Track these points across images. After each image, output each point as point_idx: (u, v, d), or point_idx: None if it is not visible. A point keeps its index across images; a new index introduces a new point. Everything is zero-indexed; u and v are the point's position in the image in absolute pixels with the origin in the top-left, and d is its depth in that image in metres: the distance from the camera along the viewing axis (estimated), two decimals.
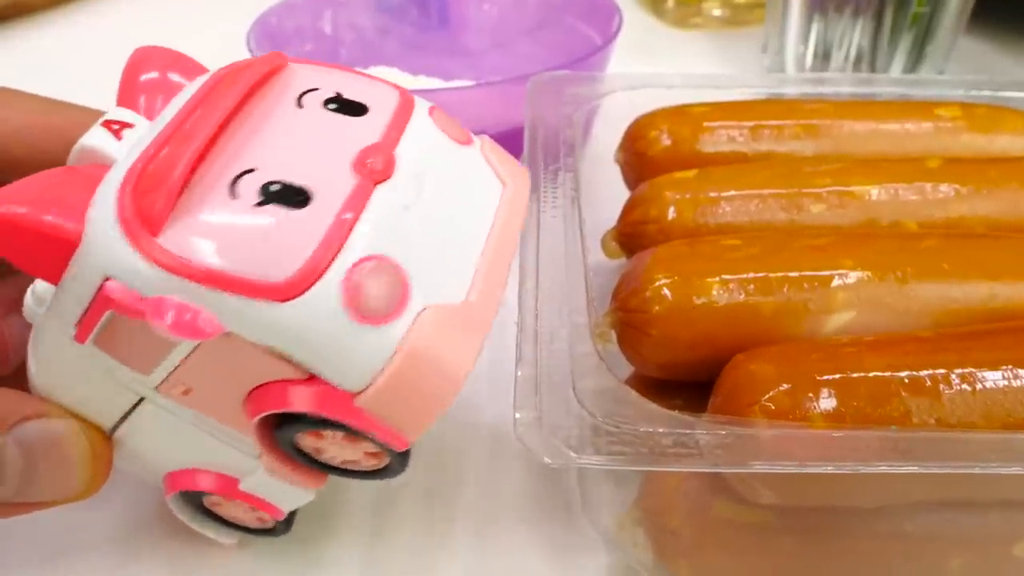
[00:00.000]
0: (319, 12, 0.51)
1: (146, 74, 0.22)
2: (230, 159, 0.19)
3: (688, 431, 0.19)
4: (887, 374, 0.21)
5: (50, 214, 0.18)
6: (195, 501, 0.25)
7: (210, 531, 0.26)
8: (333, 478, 0.22)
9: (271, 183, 0.18)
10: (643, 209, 0.29)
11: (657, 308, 0.24)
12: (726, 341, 0.24)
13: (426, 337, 0.18)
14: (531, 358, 0.21)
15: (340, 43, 0.52)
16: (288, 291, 0.17)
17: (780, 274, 0.25)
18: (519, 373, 0.21)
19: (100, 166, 0.19)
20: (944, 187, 0.29)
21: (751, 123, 0.33)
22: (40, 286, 0.22)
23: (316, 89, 0.21)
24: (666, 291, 0.25)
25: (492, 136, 0.41)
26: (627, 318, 0.25)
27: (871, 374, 0.21)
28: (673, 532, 0.24)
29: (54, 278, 0.19)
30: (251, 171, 0.18)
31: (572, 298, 0.23)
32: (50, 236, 0.18)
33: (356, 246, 0.18)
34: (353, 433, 0.19)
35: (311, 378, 0.19)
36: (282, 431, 0.20)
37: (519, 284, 0.24)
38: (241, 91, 0.20)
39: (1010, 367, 0.21)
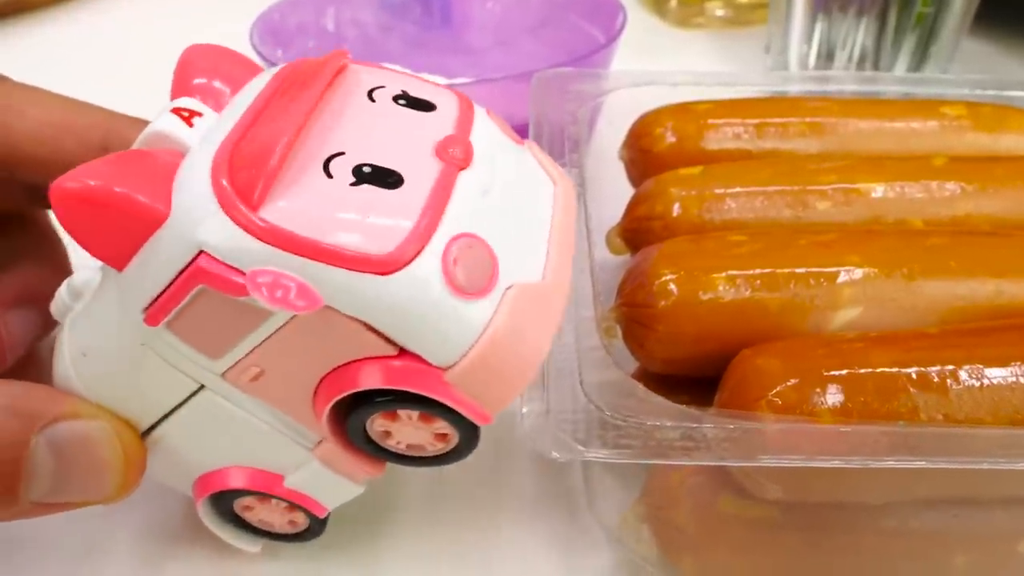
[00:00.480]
0: (322, 9, 0.51)
1: (201, 71, 0.22)
2: (316, 144, 0.19)
3: (695, 425, 0.19)
4: (894, 370, 0.21)
5: (134, 190, 0.18)
6: (225, 506, 0.25)
7: (235, 538, 0.26)
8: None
9: (363, 165, 0.19)
10: (648, 205, 0.29)
11: (663, 303, 0.24)
12: (732, 337, 0.24)
13: (514, 313, 0.19)
14: None
15: (343, 40, 0.52)
16: (391, 264, 0.17)
17: (786, 270, 0.25)
18: None
19: (173, 151, 0.19)
20: (950, 185, 0.28)
21: (756, 120, 0.32)
22: (78, 279, 0.22)
23: (383, 87, 0.21)
24: (672, 286, 0.25)
25: None
26: (633, 313, 0.25)
27: (878, 370, 0.21)
28: (678, 528, 0.24)
29: (122, 260, 0.19)
30: (341, 154, 0.19)
31: (578, 292, 0.23)
32: (132, 213, 0.18)
33: (451, 224, 0.18)
34: (432, 411, 0.19)
35: (401, 353, 0.19)
36: (357, 413, 0.20)
37: None
38: (325, 81, 0.20)
39: (1018, 363, 0.21)
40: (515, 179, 0.21)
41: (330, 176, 0.18)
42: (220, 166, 0.18)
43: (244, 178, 0.17)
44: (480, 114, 0.22)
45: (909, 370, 0.21)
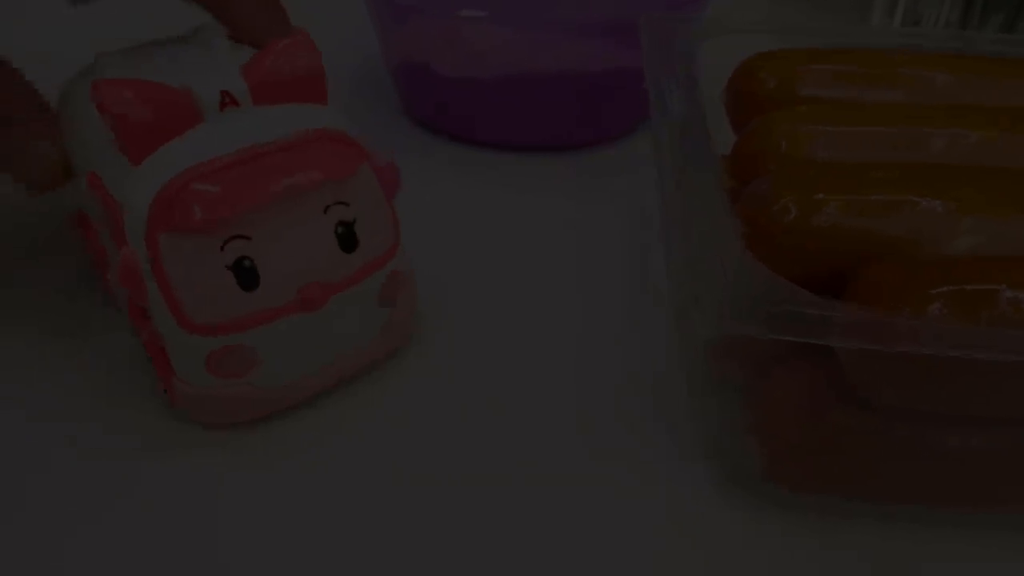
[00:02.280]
0: None
1: (273, 66, 0.25)
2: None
3: (840, 314, 0.20)
4: None
5: (140, 130, 0.23)
6: None
7: None
8: None
9: (246, 259, 0.24)
10: (759, 140, 0.30)
11: (786, 219, 0.25)
12: (848, 260, 0.25)
13: (227, 399, 0.26)
14: (678, 245, 0.22)
15: None
16: (194, 329, 0.24)
17: (904, 197, 0.25)
18: (670, 253, 0.21)
19: (196, 112, 0.24)
20: None
21: (863, 70, 0.33)
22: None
23: (346, 204, 0.26)
24: (793, 206, 0.25)
25: (592, 75, 0.42)
26: (753, 231, 0.26)
27: (1013, 286, 0.22)
28: (784, 440, 0.25)
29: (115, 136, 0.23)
30: (247, 239, 0.24)
31: (712, 201, 0.24)
32: (129, 136, 0.23)
33: (249, 337, 0.25)
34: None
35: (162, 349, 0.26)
36: None
37: (659, 187, 0.24)
38: (320, 207, 0.25)
39: None
40: (330, 326, 0.26)
41: (221, 250, 0.24)
42: (178, 181, 0.23)
43: (183, 209, 0.23)
44: (378, 274, 0.27)
45: None
